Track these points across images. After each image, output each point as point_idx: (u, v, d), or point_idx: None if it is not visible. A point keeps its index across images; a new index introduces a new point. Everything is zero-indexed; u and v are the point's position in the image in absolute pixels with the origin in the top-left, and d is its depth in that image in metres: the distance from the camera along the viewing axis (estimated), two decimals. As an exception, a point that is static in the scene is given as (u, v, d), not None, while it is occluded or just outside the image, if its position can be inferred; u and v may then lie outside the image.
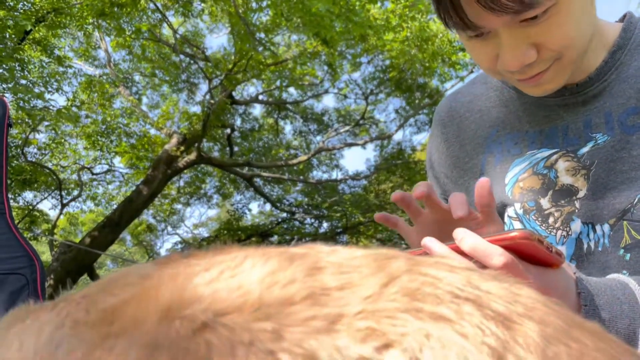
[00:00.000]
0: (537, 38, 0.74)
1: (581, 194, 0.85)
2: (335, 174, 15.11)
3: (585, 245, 0.86)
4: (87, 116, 10.85)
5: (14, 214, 1.95)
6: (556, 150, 0.88)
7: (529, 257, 0.62)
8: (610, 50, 0.86)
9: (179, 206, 15.50)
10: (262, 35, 10.03)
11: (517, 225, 0.92)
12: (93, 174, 12.40)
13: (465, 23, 0.73)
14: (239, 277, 0.26)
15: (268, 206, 15.68)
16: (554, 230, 0.88)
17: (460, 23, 0.73)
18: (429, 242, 0.65)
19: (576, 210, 0.86)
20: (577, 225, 0.86)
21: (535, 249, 0.60)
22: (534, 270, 0.62)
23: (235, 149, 13.61)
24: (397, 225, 0.83)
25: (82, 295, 0.32)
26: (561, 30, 0.73)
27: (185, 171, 12.30)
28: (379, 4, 9.48)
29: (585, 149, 0.86)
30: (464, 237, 0.61)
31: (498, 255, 0.58)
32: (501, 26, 0.73)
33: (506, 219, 0.94)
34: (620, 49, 0.86)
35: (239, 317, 0.24)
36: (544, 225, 0.89)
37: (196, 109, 12.48)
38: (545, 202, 0.88)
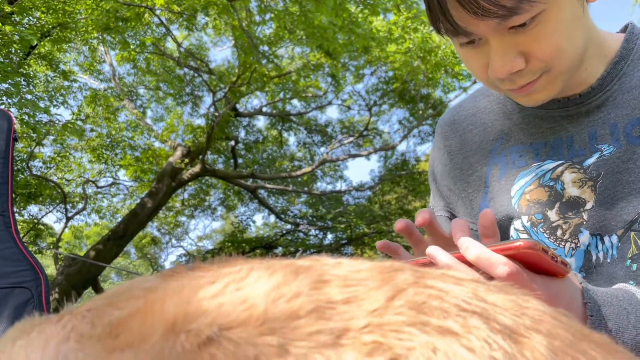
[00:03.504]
0: (526, 47, 0.74)
1: (588, 205, 0.85)
2: (340, 185, 15.11)
3: (594, 257, 0.85)
4: (92, 130, 10.92)
5: (19, 227, 1.95)
6: (562, 161, 0.88)
7: (534, 266, 0.62)
8: (613, 61, 0.86)
9: (183, 218, 15.52)
10: (266, 48, 10.10)
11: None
12: (98, 187, 12.43)
13: (455, 28, 0.74)
14: (244, 291, 0.26)
15: (272, 218, 15.69)
16: (562, 243, 0.87)
17: (450, 28, 0.74)
18: (434, 250, 0.65)
19: (584, 222, 0.85)
20: (585, 237, 0.85)
21: (540, 258, 0.60)
22: (539, 280, 0.62)
23: (240, 160, 13.64)
24: (398, 253, 0.82)
25: (87, 308, 0.32)
26: (550, 40, 0.74)
27: (189, 183, 12.32)
28: (381, 16, 9.53)
29: (591, 160, 0.85)
30: (468, 246, 0.61)
31: (502, 265, 0.58)
32: (490, 32, 0.73)
33: (513, 232, 0.94)
34: (622, 59, 0.86)
35: (244, 332, 0.24)
36: (552, 237, 0.88)
37: (200, 122, 12.55)
38: (552, 215, 0.88)
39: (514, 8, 0.69)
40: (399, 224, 0.79)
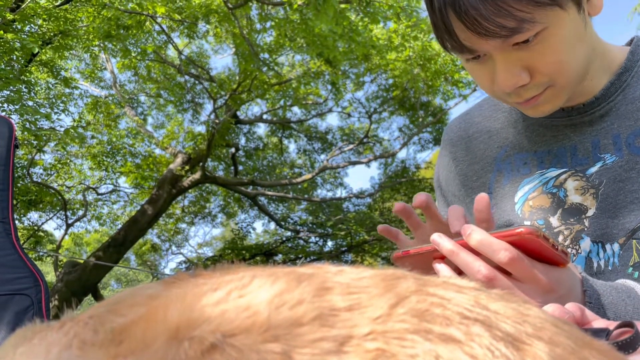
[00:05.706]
0: (530, 61, 0.76)
1: (590, 212, 0.86)
2: (340, 192, 15.09)
3: (595, 264, 0.86)
4: (92, 137, 10.92)
5: (19, 234, 1.95)
6: (565, 169, 0.89)
7: (536, 255, 0.63)
8: (617, 72, 0.87)
9: (184, 225, 15.48)
10: (266, 55, 10.12)
11: None
12: (98, 194, 12.42)
13: (461, 47, 0.76)
14: (247, 298, 0.26)
15: (272, 225, 15.65)
16: None
17: (456, 46, 0.77)
18: (438, 238, 0.66)
19: (585, 229, 0.86)
20: (586, 244, 0.86)
21: (541, 245, 0.61)
22: (540, 266, 0.63)
23: (240, 168, 13.64)
24: (398, 238, 0.85)
25: (89, 315, 0.32)
26: (553, 55, 0.75)
27: (189, 190, 12.31)
28: (381, 24, 9.56)
29: (593, 169, 0.87)
30: (471, 232, 0.63)
31: (503, 251, 0.60)
32: (494, 49, 0.75)
33: None
34: (627, 70, 0.87)
35: (247, 339, 0.24)
36: None
37: (201, 129, 12.57)
38: (554, 221, 0.89)
39: (515, 28, 0.71)
40: (398, 205, 0.82)
